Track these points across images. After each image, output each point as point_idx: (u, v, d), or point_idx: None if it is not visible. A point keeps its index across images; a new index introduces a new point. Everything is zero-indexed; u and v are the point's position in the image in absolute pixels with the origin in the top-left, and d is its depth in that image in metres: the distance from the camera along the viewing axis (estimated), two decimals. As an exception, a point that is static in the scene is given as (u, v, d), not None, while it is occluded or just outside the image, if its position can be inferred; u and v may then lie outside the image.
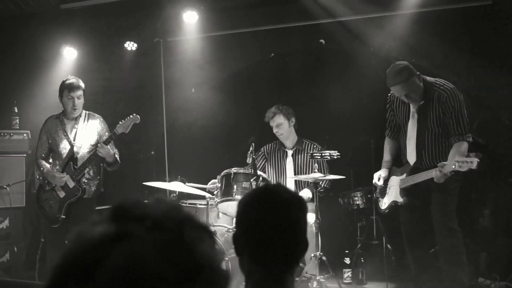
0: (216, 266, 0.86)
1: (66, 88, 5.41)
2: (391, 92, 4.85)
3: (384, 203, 5.08)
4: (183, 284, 0.80)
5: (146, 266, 0.78)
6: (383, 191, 5.13)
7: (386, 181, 5.08)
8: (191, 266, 0.82)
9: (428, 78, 4.71)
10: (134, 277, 0.77)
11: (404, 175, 4.87)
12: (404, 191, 4.88)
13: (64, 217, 5.32)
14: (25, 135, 6.42)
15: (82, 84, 5.45)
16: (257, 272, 1.96)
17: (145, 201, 0.89)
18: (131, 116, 5.40)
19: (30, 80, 6.78)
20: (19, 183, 6.22)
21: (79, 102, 5.44)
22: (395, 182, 4.98)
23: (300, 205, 2.02)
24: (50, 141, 5.52)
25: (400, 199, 4.89)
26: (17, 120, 6.55)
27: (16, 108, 6.60)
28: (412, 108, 4.77)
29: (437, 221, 4.68)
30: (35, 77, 6.77)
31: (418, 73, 4.63)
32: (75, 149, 5.42)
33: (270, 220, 1.94)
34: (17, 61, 6.83)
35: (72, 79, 5.43)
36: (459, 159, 4.28)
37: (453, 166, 4.29)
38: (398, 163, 5.11)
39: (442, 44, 5.78)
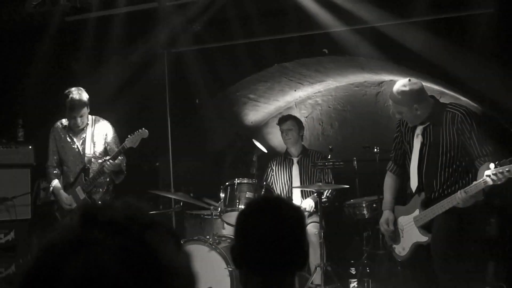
0: (180, 270, 0.85)
1: (68, 108, 5.34)
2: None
3: (403, 249, 4.43)
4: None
5: (105, 273, 0.76)
6: (395, 236, 4.51)
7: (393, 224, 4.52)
8: (152, 271, 0.80)
9: (441, 101, 4.38)
10: (93, 285, 0.76)
11: (417, 211, 4.29)
12: (424, 228, 4.27)
13: None
14: (30, 147, 6.43)
15: (85, 98, 5.36)
16: (255, 284, 1.94)
17: (114, 204, 0.87)
18: (140, 130, 5.36)
19: (35, 92, 6.80)
20: (24, 195, 6.23)
21: (82, 120, 5.40)
22: (407, 222, 4.38)
23: (297, 216, 2.02)
24: (58, 149, 5.53)
25: (423, 238, 4.25)
26: (22, 132, 6.57)
27: (21, 121, 6.62)
28: (417, 130, 4.34)
29: (436, 247, 4.20)
30: (40, 89, 6.80)
31: (426, 97, 4.25)
32: (86, 159, 5.44)
33: (268, 231, 1.93)
34: (21, 73, 6.87)
35: (74, 96, 5.30)
36: (493, 171, 3.77)
37: (488, 180, 3.77)
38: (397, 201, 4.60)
39: (445, 52, 5.77)
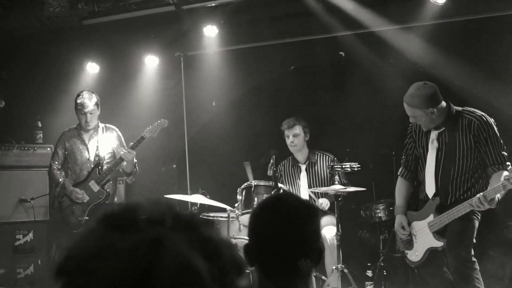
0: (230, 246, 0.92)
1: (77, 107, 5.55)
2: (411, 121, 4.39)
3: (416, 255, 4.41)
4: (221, 274, 0.86)
5: (192, 266, 0.83)
6: (407, 242, 4.51)
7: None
8: (218, 255, 0.88)
9: (455, 107, 4.25)
10: (187, 278, 0.82)
11: (431, 216, 4.27)
12: (438, 234, 4.25)
13: (87, 218, 5.41)
14: (48, 149, 6.50)
15: (95, 99, 5.55)
16: (267, 285, 1.93)
17: (135, 203, 0.92)
18: (159, 121, 5.56)
19: (54, 95, 6.87)
20: (43, 196, 6.29)
21: (92, 117, 5.56)
22: (421, 227, 4.37)
23: (309, 213, 1.98)
24: (66, 152, 5.64)
25: (438, 243, 4.24)
26: (41, 134, 6.64)
27: (39, 123, 6.69)
28: (432, 135, 4.33)
29: (451, 251, 4.17)
30: (58, 92, 6.86)
31: (441, 101, 4.18)
32: (98, 158, 5.56)
33: (279, 230, 1.91)
34: (40, 76, 6.93)
35: (84, 96, 5.52)
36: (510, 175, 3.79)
37: (507, 184, 3.79)
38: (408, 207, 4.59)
39: (463, 55, 5.74)
